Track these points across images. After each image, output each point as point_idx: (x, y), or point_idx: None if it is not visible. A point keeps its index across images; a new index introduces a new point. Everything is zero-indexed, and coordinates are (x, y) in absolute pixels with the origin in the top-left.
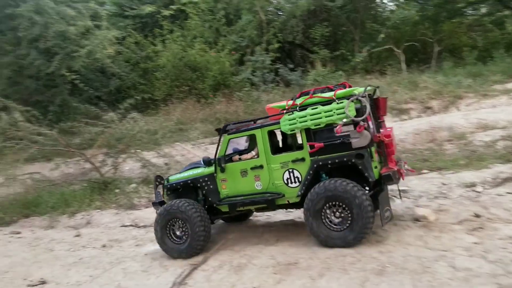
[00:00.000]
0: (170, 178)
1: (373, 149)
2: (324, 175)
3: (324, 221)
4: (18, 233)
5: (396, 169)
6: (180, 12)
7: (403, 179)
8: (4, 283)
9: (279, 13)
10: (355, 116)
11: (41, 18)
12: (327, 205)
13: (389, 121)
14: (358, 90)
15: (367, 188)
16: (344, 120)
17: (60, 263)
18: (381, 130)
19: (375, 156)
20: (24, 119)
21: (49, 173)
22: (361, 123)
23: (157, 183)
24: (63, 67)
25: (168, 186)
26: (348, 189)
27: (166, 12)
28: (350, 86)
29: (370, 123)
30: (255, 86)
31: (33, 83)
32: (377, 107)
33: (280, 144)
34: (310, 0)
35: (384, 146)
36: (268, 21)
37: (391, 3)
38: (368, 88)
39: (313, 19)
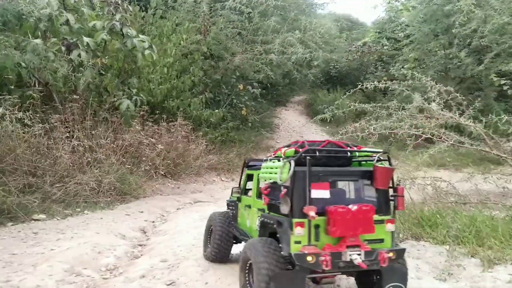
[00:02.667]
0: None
1: (294, 220)
2: None
3: (247, 280)
4: None
5: (321, 252)
6: None
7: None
8: None
9: None
10: (286, 180)
11: (480, 11)
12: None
13: None
14: (290, 152)
15: None
16: (268, 181)
17: None
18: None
19: (297, 230)
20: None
21: (458, 185)
22: (282, 188)
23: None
24: (493, 68)
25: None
26: (259, 249)
27: None
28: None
29: (302, 191)
30: None
31: (453, 87)
32: (374, 177)
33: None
34: None
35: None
36: None
37: None
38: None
39: None
